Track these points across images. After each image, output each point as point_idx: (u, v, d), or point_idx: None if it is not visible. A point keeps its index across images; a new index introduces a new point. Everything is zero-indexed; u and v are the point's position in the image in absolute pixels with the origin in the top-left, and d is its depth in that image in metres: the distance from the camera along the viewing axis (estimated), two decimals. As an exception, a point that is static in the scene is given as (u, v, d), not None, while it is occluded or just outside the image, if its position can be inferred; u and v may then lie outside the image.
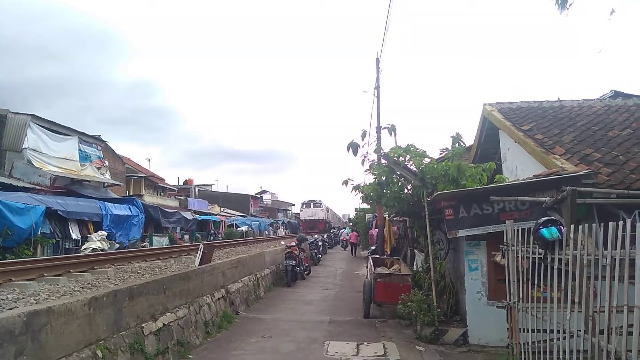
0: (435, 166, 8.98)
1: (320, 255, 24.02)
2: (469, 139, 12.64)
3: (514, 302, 5.90)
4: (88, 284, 7.23)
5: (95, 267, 10.06)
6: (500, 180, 8.85)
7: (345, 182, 10.78)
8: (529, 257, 5.51)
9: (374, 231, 23.31)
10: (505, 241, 6.21)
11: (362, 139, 10.37)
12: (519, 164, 10.09)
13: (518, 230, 5.86)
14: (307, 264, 17.77)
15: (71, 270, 9.22)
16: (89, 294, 5.38)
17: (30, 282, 6.96)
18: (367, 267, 13.68)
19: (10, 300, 5.54)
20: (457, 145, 9.63)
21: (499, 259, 6.56)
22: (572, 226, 4.73)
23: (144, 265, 9.88)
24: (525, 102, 11.86)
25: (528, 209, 7.19)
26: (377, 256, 14.25)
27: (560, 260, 4.83)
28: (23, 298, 5.63)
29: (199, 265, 9.73)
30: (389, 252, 17.03)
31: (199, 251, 10.21)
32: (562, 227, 5.01)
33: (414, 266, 12.85)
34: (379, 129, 16.69)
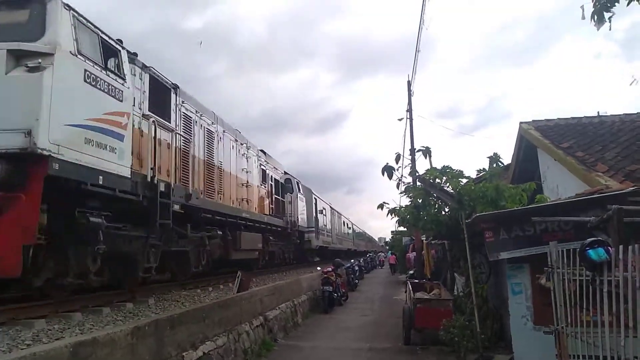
0: (472, 187, 8.84)
1: (357, 280, 23.71)
2: (506, 159, 12.44)
3: (562, 327, 5.66)
4: (130, 313, 7.34)
5: (136, 297, 10.21)
6: (542, 200, 8.63)
7: (381, 206, 10.72)
8: (575, 280, 5.30)
9: (412, 255, 22.95)
10: (549, 263, 6.00)
11: (396, 162, 10.37)
12: (560, 183, 9.82)
13: (562, 251, 5.66)
14: (344, 290, 17.59)
15: (114, 301, 9.39)
16: (132, 324, 5.47)
17: (74, 313, 7.12)
18: (405, 292, 13.44)
19: (57, 330, 5.67)
20: (494, 165, 9.49)
21: (543, 281, 6.33)
22: (621, 247, 4.54)
23: (184, 293, 9.97)
24: (562, 119, 11.60)
25: (572, 229, 6.94)
26: (416, 281, 14.00)
27: (609, 282, 4.63)
28: (69, 328, 5.75)
29: (237, 292, 9.76)
30: (428, 276, 16.71)
31: (236, 279, 10.25)
32: (609, 248, 4.81)
33: (455, 290, 12.55)
34: (412, 151, 16.61)
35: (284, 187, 19.31)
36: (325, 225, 29.43)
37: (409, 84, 18.55)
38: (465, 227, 8.60)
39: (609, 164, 8.39)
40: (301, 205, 22.29)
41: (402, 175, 10.65)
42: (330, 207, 33.11)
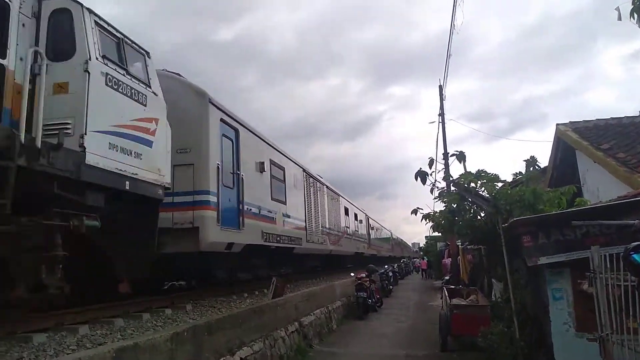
0: (509, 191, 8.66)
1: (391, 287, 23.52)
2: (543, 161, 12.15)
3: (607, 334, 5.47)
4: (169, 319, 7.49)
5: (174, 303, 10.39)
6: (581, 204, 8.39)
7: (415, 212, 10.61)
8: (620, 285, 5.12)
9: (447, 260, 22.63)
10: (591, 268, 5.81)
11: (430, 167, 10.23)
12: (601, 186, 9.53)
13: (605, 256, 5.47)
14: (378, 296, 17.48)
15: (153, 307, 9.59)
16: (171, 330, 5.59)
17: (116, 319, 7.32)
18: (441, 298, 13.27)
19: (99, 335, 5.84)
20: (531, 169, 9.29)
21: (585, 287, 6.14)
22: (668, 251, 4.37)
23: (220, 299, 10.11)
24: (601, 119, 11.27)
25: (614, 233, 6.71)
26: (452, 287, 13.80)
27: (657, 288, 4.45)
28: (110, 334, 5.91)
29: (272, 298, 9.83)
30: (464, 282, 16.45)
31: (271, 285, 10.33)
32: (656, 252, 4.63)
33: (492, 296, 12.32)
34: (446, 155, 16.44)
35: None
36: (284, 202, 13.73)
37: (441, 88, 18.38)
38: (502, 232, 8.42)
39: (652, 165, 8.11)
40: (135, 112, 6.30)
41: (435, 180, 10.51)
42: (304, 170, 16.94)
